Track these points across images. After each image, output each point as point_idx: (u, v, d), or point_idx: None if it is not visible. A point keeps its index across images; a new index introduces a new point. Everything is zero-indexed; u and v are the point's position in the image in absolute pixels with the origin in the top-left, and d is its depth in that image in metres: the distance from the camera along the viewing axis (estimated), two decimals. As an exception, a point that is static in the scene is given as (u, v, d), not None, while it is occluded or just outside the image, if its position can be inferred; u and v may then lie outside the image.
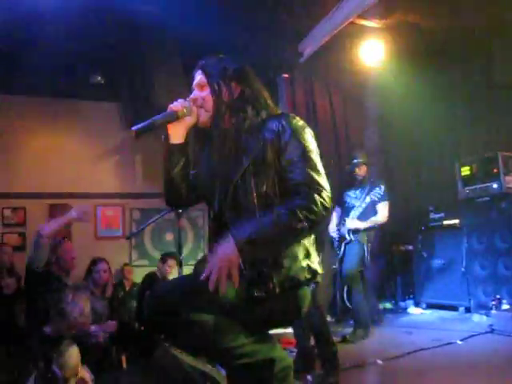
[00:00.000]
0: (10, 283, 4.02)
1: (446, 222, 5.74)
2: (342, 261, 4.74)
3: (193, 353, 2.07)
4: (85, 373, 2.85)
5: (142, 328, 3.92)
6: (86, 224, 6.52)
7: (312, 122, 5.84)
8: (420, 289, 5.88)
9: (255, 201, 1.63)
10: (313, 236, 1.71)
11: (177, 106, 1.73)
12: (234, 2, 4.68)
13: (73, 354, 2.77)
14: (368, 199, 4.62)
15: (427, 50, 5.52)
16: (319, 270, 1.68)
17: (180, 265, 3.76)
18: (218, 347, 1.57)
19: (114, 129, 6.74)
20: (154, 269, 5.20)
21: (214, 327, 1.55)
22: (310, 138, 1.70)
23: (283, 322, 1.93)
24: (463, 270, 5.28)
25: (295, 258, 1.60)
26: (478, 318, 4.78)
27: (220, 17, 4.72)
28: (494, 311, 4.57)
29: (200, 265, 5.02)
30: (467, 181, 5.37)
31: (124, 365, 3.53)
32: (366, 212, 4.64)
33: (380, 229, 4.87)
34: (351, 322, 4.84)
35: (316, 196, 1.56)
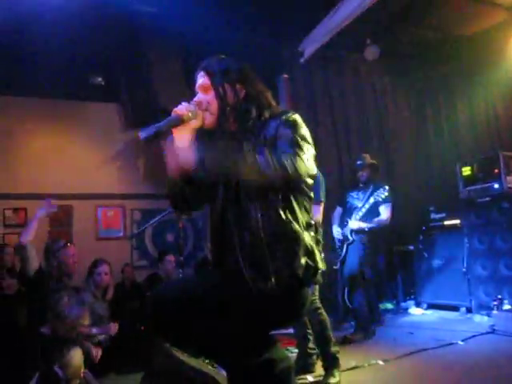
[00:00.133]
0: (11, 284, 4.01)
1: (447, 222, 5.73)
2: (343, 261, 4.74)
3: (193, 354, 2.06)
4: (87, 374, 2.85)
5: (143, 329, 3.92)
6: (87, 225, 6.56)
7: (312, 122, 5.83)
8: (421, 289, 5.87)
9: (256, 201, 1.63)
10: (314, 233, 1.70)
11: (182, 109, 1.71)
12: (233, 2, 4.68)
13: (76, 355, 2.77)
14: (372, 200, 4.62)
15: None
16: (321, 266, 1.66)
17: (181, 265, 3.76)
18: (218, 348, 1.57)
19: (114, 129, 6.74)
20: (154, 269, 5.21)
21: (214, 328, 1.55)
22: (303, 129, 1.70)
23: (284, 323, 1.93)
24: (464, 270, 5.26)
25: (295, 254, 1.60)
26: (480, 319, 4.77)
27: (219, 17, 4.72)
28: (495, 311, 4.57)
29: (200, 266, 5.03)
30: (468, 181, 5.36)
31: (124, 366, 3.53)
32: (369, 213, 4.64)
33: (381, 229, 4.86)
34: (352, 322, 4.84)
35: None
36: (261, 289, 1.55)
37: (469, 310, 5.20)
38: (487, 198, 5.13)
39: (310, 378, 3.26)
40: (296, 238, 1.61)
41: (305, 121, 1.77)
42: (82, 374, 2.78)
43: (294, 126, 1.69)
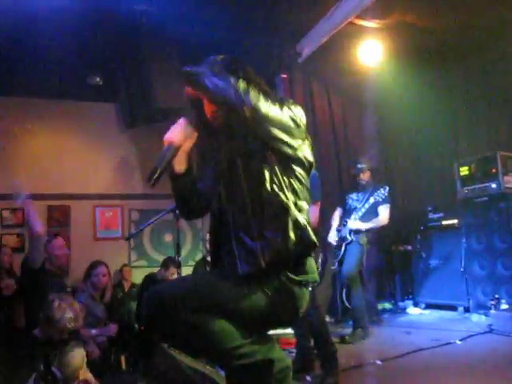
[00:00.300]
0: (10, 284, 4.01)
1: (444, 222, 5.74)
2: (341, 262, 4.75)
3: (192, 354, 2.06)
4: (88, 375, 2.85)
5: (142, 329, 3.92)
6: (85, 225, 6.55)
7: (311, 122, 5.83)
8: (419, 289, 5.88)
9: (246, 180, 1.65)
10: (305, 217, 1.69)
11: (173, 138, 1.71)
12: (232, 2, 4.68)
13: (74, 355, 2.76)
14: (372, 200, 4.65)
15: (426, 49, 5.53)
16: (312, 238, 1.64)
17: (178, 266, 3.75)
18: (217, 348, 1.57)
19: (112, 129, 6.75)
20: (153, 270, 5.19)
21: (212, 328, 1.55)
22: (293, 107, 1.67)
23: (282, 323, 1.93)
24: (462, 269, 5.28)
25: (283, 229, 1.60)
26: (477, 318, 4.79)
27: (218, 17, 4.73)
28: (492, 311, 4.58)
29: (199, 266, 5.02)
30: (466, 181, 5.37)
31: (123, 366, 3.53)
32: (369, 213, 4.66)
33: (380, 229, 4.87)
34: (350, 322, 4.85)
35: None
36: (250, 265, 1.56)
37: (467, 310, 5.22)
38: (485, 198, 5.14)
39: (308, 377, 3.27)
40: (284, 210, 1.61)
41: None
42: (81, 375, 2.78)
43: (287, 101, 1.69)
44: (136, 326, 4.11)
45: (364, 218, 4.66)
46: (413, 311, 5.75)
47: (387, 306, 5.99)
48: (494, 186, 5.03)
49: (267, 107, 1.56)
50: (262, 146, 1.65)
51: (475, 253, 5.19)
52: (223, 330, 1.56)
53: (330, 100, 6.38)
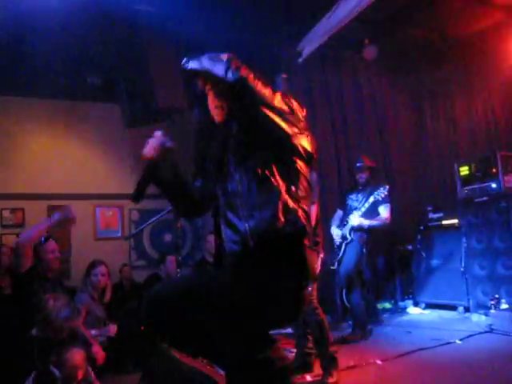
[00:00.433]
0: (9, 284, 4.00)
1: (444, 222, 5.74)
2: (341, 261, 4.74)
3: (192, 354, 2.06)
4: (89, 375, 2.85)
5: (142, 329, 3.91)
6: (86, 225, 6.55)
7: (311, 122, 5.82)
8: (419, 288, 5.88)
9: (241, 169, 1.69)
10: (293, 191, 1.70)
11: (147, 153, 1.84)
12: (232, 2, 4.68)
13: (73, 355, 2.76)
14: (371, 199, 4.62)
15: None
16: (301, 222, 1.66)
17: (179, 265, 3.75)
18: (216, 348, 1.57)
19: (112, 130, 6.73)
20: (153, 269, 5.19)
21: (212, 328, 1.55)
22: (286, 95, 1.71)
23: (282, 323, 1.93)
24: (462, 269, 5.27)
25: (272, 210, 1.62)
26: (477, 318, 4.78)
27: (219, 17, 4.73)
28: (492, 311, 4.57)
29: (199, 265, 5.03)
30: (466, 180, 5.37)
31: (123, 366, 3.53)
32: (369, 213, 4.65)
33: (380, 229, 4.87)
34: (350, 322, 4.85)
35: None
36: (239, 244, 1.60)
37: (467, 310, 5.21)
38: (485, 198, 5.14)
39: (308, 377, 3.27)
40: (274, 193, 1.64)
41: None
42: (82, 375, 2.78)
43: (285, 93, 1.71)
44: (136, 325, 4.10)
45: (364, 217, 4.64)
46: (413, 311, 5.75)
47: (387, 305, 5.99)
48: (494, 185, 5.02)
49: (257, 82, 1.60)
50: (258, 135, 1.68)
51: (475, 252, 5.18)
52: (223, 330, 1.56)
53: (329, 100, 6.38)
